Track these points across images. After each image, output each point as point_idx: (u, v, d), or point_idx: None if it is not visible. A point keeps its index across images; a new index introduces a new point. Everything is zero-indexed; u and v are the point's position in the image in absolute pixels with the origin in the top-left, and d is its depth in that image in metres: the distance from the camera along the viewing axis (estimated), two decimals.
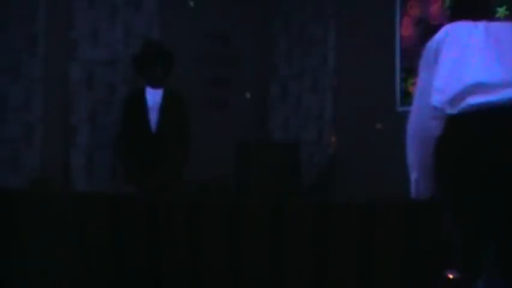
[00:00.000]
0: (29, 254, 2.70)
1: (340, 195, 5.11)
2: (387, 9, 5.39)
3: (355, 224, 2.29)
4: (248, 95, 5.84)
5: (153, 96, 4.40)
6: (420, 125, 2.64)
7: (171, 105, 4.41)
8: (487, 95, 2.31)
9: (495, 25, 2.64)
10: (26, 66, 4.21)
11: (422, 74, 2.69)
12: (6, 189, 2.90)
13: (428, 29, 5.23)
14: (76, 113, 4.49)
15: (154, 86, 4.41)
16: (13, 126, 4.15)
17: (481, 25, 2.62)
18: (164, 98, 4.40)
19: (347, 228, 2.29)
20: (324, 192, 5.30)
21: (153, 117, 4.37)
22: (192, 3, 5.38)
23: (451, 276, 3.76)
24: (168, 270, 2.51)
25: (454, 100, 2.43)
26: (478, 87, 2.36)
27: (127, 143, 4.36)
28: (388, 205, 2.29)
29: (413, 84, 5.27)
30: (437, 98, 2.49)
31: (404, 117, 5.39)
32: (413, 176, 2.71)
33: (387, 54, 5.37)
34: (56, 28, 4.38)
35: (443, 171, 2.45)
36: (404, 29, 5.33)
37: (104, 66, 4.64)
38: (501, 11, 4.80)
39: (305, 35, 5.78)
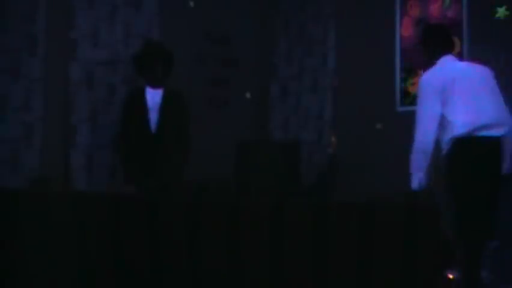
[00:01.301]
0: (29, 254, 2.70)
1: (340, 195, 5.11)
2: (387, 9, 5.39)
3: (355, 224, 2.29)
4: (248, 95, 5.84)
5: (153, 96, 4.40)
6: (431, 144, 3.58)
7: (171, 105, 4.41)
8: (487, 131, 3.49)
9: (478, 67, 3.78)
10: (26, 66, 4.21)
11: (430, 102, 3.58)
12: (6, 189, 2.90)
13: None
14: (76, 113, 4.49)
15: (154, 86, 4.41)
16: (13, 126, 4.15)
17: (473, 67, 3.78)
18: (164, 98, 4.40)
19: (347, 228, 2.29)
20: (324, 192, 5.30)
21: (153, 117, 4.37)
22: (191, 3, 5.38)
23: (451, 276, 3.76)
24: (168, 270, 2.51)
25: (468, 133, 3.48)
26: (484, 126, 3.49)
27: (127, 143, 4.36)
28: (388, 205, 2.30)
29: (413, 84, 5.27)
30: (459, 131, 3.49)
31: (403, 117, 5.41)
32: (419, 175, 3.63)
33: (387, 54, 5.37)
34: (56, 28, 4.38)
35: (460, 177, 3.53)
36: (404, 29, 5.34)
37: (104, 66, 4.64)
38: (501, 11, 4.80)
39: (305, 35, 5.78)
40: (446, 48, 3.79)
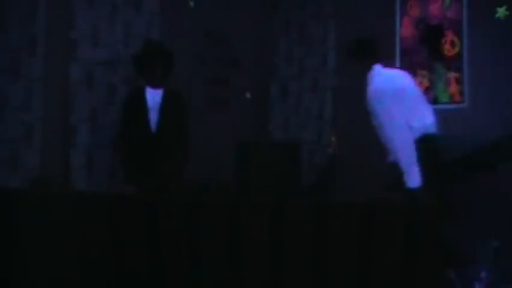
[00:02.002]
0: (29, 254, 2.70)
1: (340, 195, 5.11)
2: (387, 9, 5.39)
3: (355, 224, 2.29)
4: (248, 95, 5.84)
5: (153, 96, 4.40)
6: (411, 140, 3.86)
7: (171, 105, 4.41)
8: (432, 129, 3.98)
9: (402, 74, 4.17)
10: (26, 66, 4.20)
11: (396, 107, 3.87)
12: (6, 189, 2.90)
13: (428, 29, 5.24)
14: (76, 113, 4.48)
15: (154, 86, 4.41)
16: (13, 126, 4.14)
17: (401, 75, 4.14)
18: (164, 98, 4.40)
19: (347, 228, 2.29)
20: (324, 192, 5.30)
21: (153, 117, 4.37)
22: (192, 3, 5.38)
23: (450, 276, 3.76)
24: (168, 270, 2.51)
25: (425, 133, 3.93)
26: (432, 125, 4.00)
27: (127, 143, 4.36)
28: (388, 205, 2.30)
29: None
30: (416, 132, 3.88)
31: None
32: (416, 168, 3.83)
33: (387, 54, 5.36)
34: (56, 28, 4.38)
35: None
36: (404, 29, 5.33)
37: (104, 66, 4.64)
38: (501, 11, 4.80)
39: (305, 35, 5.77)
40: (379, 58, 4.14)
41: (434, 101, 5.17)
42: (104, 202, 2.61)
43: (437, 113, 5.16)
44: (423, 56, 5.23)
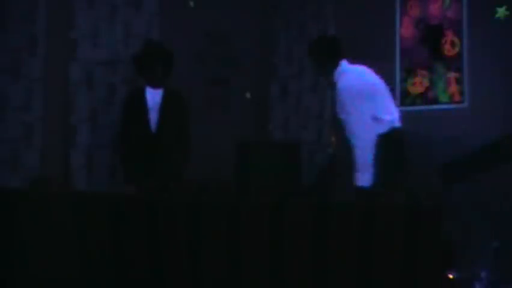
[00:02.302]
0: (29, 253, 2.70)
1: (340, 195, 5.10)
2: (387, 9, 5.39)
3: (355, 224, 2.29)
4: (248, 95, 5.84)
5: (153, 96, 4.40)
6: (372, 140, 3.95)
7: (171, 105, 4.41)
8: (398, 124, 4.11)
9: (368, 71, 4.20)
10: (26, 66, 4.20)
11: (362, 105, 3.95)
12: (6, 189, 2.90)
13: (428, 29, 5.24)
14: (76, 113, 4.48)
15: (154, 86, 4.41)
16: (13, 126, 4.14)
17: (373, 76, 4.18)
18: (164, 98, 4.40)
19: (347, 228, 2.29)
20: (324, 192, 5.30)
21: (153, 117, 4.37)
22: (192, 3, 5.38)
23: (450, 276, 3.76)
24: (168, 270, 2.51)
25: (393, 128, 4.05)
26: (396, 120, 4.11)
27: (127, 143, 4.36)
28: (388, 205, 2.30)
29: (413, 84, 5.27)
30: (386, 126, 3.99)
31: (404, 117, 5.40)
32: (370, 169, 3.92)
33: (387, 54, 5.37)
34: (56, 28, 4.38)
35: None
36: (404, 29, 5.33)
37: (104, 66, 4.64)
38: (501, 11, 4.80)
39: (305, 35, 5.77)
40: (342, 54, 4.20)
41: (434, 101, 5.17)
42: (104, 202, 2.61)
43: (437, 113, 5.18)
44: (423, 56, 5.23)
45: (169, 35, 4.97)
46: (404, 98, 5.30)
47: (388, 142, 3.98)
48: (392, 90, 5.30)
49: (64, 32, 4.46)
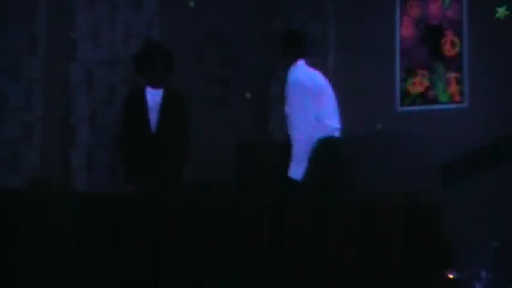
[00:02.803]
0: (29, 253, 2.70)
1: (340, 195, 5.10)
2: (387, 9, 5.39)
3: (355, 224, 2.29)
4: (248, 95, 5.84)
5: (153, 96, 4.40)
6: (311, 137, 4.08)
7: (171, 105, 4.41)
8: (338, 133, 4.21)
9: (321, 76, 4.31)
10: (26, 66, 4.20)
11: (307, 102, 4.08)
12: (6, 189, 2.90)
13: (428, 29, 5.24)
14: (76, 113, 4.48)
15: (154, 86, 4.41)
16: (13, 126, 4.14)
17: (320, 76, 4.30)
18: (165, 98, 4.40)
19: (347, 228, 2.29)
20: (324, 192, 5.30)
21: (153, 117, 4.36)
22: (192, 3, 5.38)
23: (450, 276, 3.76)
24: (168, 270, 2.51)
25: (326, 133, 4.12)
26: (338, 129, 4.23)
27: (127, 143, 4.36)
28: (388, 205, 2.30)
29: (413, 84, 5.27)
30: (326, 132, 4.13)
31: (404, 117, 5.41)
32: (304, 164, 4.06)
33: (387, 54, 5.37)
34: (56, 28, 4.38)
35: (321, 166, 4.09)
36: (404, 29, 5.33)
37: (104, 66, 4.63)
38: (501, 11, 4.80)
39: None
40: (303, 53, 4.29)
41: (434, 101, 5.18)
42: (104, 202, 2.61)
43: (437, 113, 5.18)
44: (423, 56, 5.23)
45: (169, 35, 4.97)
46: (404, 98, 5.30)
47: (325, 148, 4.10)
48: (392, 90, 5.33)
49: (64, 32, 4.45)
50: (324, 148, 4.10)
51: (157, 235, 2.51)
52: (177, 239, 2.49)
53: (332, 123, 4.20)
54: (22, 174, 4.13)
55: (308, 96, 4.10)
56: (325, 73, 5.61)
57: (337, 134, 4.25)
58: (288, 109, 4.18)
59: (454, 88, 5.08)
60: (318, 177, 4.10)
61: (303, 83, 4.15)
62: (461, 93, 5.04)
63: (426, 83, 5.21)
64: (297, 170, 4.10)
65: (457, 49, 5.07)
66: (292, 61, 4.27)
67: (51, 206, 2.69)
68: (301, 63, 4.27)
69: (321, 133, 4.11)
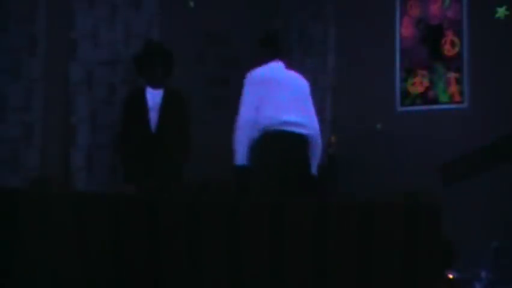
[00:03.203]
0: (29, 254, 2.70)
1: (340, 195, 5.11)
2: (387, 9, 5.39)
3: (355, 223, 2.29)
4: None
5: (153, 97, 4.40)
6: (251, 123, 4.06)
7: (171, 105, 4.41)
8: (290, 127, 4.01)
9: (300, 78, 4.30)
10: (26, 66, 4.20)
11: (250, 91, 4.12)
12: (6, 189, 2.90)
13: (428, 29, 5.24)
14: (76, 113, 4.48)
15: (154, 86, 4.41)
16: (13, 126, 4.14)
17: (294, 76, 4.28)
18: (165, 98, 4.40)
19: (347, 228, 2.29)
20: (324, 192, 5.30)
21: (153, 117, 4.36)
22: (192, 3, 5.38)
23: (450, 276, 3.76)
24: (168, 270, 2.51)
25: (274, 125, 4.01)
26: (287, 122, 4.02)
27: (127, 143, 4.36)
28: (388, 205, 2.30)
29: (413, 84, 5.27)
30: (266, 122, 4.03)
31: (403, 117, 5.41)
32: (243, 150, 4.07)
33: (387, 54, 5.37)
34: (56, 28, 4.38)
35: (266, 159, 4.02)
36: (404, 29, 5.33)
37: (104, 66, 4.63)
38: (501, 11, 4.80)
39: (305, 35, 5.77)
40: (276, 55, 4.32)
41: (434, 101, 5.18)
42: (104, 202, 2.61)
43: (437, 113, 5.18)
44: (423, 56, 5.23)
45: (169, 35, 4.97)
46: (404, 98, 5.30)
47: (265, 139, 4.02)
48: (392, 90, 5.33)
49: (64, 32, 4.45)
50: (265, 139, 4.03)
51: (157, 235, 2.51)
52: (177, 239, 2.49)
53: (281, 116, 4.05)
54: (22, 174, 4.13)
55: (254, 85, 4.12)
56: (325, 73, 5.65)
57: (287, 128, 4.05)
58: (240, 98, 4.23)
59: (454, 88, 5.08)
60: (259, 168, 4.05)
61: (255, 74, 4.18)
62: (461, 93, 5.04)
63: (426, 83, 5.21)
64: (235, 156, 4.12)
65: (457, 49, 5.07)
66: (265, 62, 4.28)
67: (51, 206, 2.69)
68: (273, 63, 4.27)
69: (263, 124, 4.04)
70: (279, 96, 4.12)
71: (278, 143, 4.01)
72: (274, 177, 3.95)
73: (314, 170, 4.27)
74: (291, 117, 4.05)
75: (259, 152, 4.06)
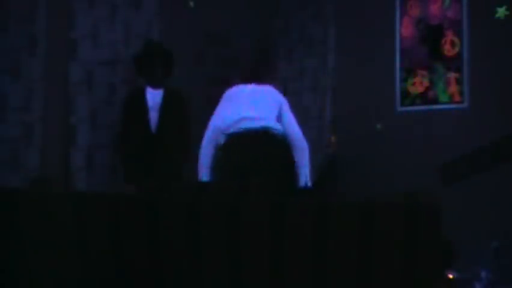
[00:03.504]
0: (29, 254, 2.70)
1: (340, 195, 5.11)
2: (387, 9, 5.39)
3: (355, 224, 2.29)
4: None
5: (153, 96, 4.40)
6: (214, 137, 3.99)
7: (171, 105, 4.41)
8: (248, 123, 3.86)
9: (257, 87, 4.20)
10: (26, 66, 4.20)
11: (220, 106, 4.13)
12: (6, 189, 2.90)
13: (428, 29, 5.24)
14: (76, 113, 4.48)
15: (154, 86, 4.41)
16: (13, 126, 4.14)
17: (249, 87, 4.21)
18: (165, 98, 4.40)
19: (347, 228, 2.29)
20: (324, 192, 5.31)
21: (153, 117, 4.37)
22: (191, 3, 5.38)
23: (450, 276, 3.76)
24: (168, 270, 2.51)
25: (230, 126, 3.90)
26: (241, 120, 3.88)
27: (127, 143, 4.36)
28: (388, 205, 2.30)
29: (413, 84, 5.27)
30: (225, 124, 3.94)
31: (403, 117, 5.41)
32: (204, 171, 3.96)
33: (387, 54, 5.37)
34: (56, 28, 4.38)
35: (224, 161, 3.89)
36: (404, 29, 5.33)
37: (104, 66, 4.64)
38: (501, 11, 4.80)
39: (305, 35, 5.77)
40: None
41: (434, 101, 5.18)
42: (104, 202, 2.61)
43: (437, 113, 5.18)
44: (423, 56, 5.23)
45: (169, 35, 4.97)
46: (404, 98, 5.30)
47: (225, 142, 3.91)
48: (392, 90, 5.33)
49: (64, 32, 4.46)
50: (225, 141, 3.92)
51: (157, 235, 2.51)
52: (177, 239, 2.49)
53: (238, 114, 3.95)
54: (22, 174, 4.13)
55: (223, 101, 4.15)
56: (325, 73, 5.66)
57: (244, 124, 3.90)
58: None
59: (453, 88, 5.08)
60: (219, 169, 3.94)
61: (225, 93, 4.24)
62: (461, 93, 5.04)
63: (426, 83, 5.21)
64: (199, 172, 4.01)
65: (457, 49, 5.07)
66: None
67: (51, 206, 2.69)
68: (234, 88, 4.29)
69: (223, 126, 3.95)
70: (239, 101, 4.09)
71: (236, 141, 3.87)
72: (233, 175, 3.82)
73: (305, 179, 4.04)
74: (248, 113, 3.93)
75: (220, 154, 3.96)
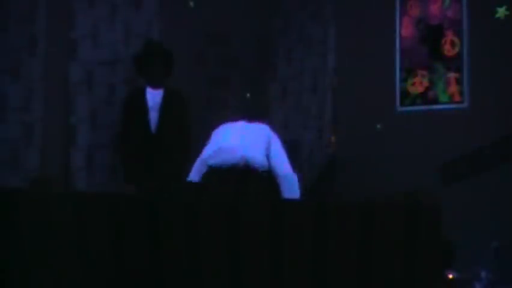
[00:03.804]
0: (28, 254, 2.70)
1: (340, 195, 5.11)
2: (387, 9, 5.39)
3: (355, 224, 2.29)
4: (248, 95, 5.84)
5: (153, 97, 4.40)
6: (199, 169, 3.85)
7: (171, 105, 4.41)
8: (224, 155, 3.75)
9: (247, 123, 4.15)
10: (26, 66, 4.20)
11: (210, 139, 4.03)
12: (6, 189, 2.90)
13: (428, 29, 5.24)
14: (76, 113, 4.49)
15: (154, 86, 4.41)
16: (13, 126, 4.15)
17: (239, 124, 4.11)
18: (165, 98, 4.40)
19: (347, 228, 2.29)
20: (324, 192, 5.30)
21: (153, 117, 4.37)
22: (192, 3, 5.38)
23: (450, 276, 3.77)
24: (168, 270, 2.51)
25: (210, 157, 3.81)
26: (220, 150, 3.80)
27: (127, 143, 4.36)
28: (388, 205, 2.30)
29: (413, 84, 5.27)
30: (207, 155, 3.84)
31: (403, 117, 5.41)
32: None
33: (387, 54, 5.37)
34: (56, 28, 4.38)
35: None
36: (404, 29, 5.33)
37: (104, 66, 4.64)
38: (501, 11, 4.80)
39: (305, 35, 5.77)
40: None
41: (434, 101, 5.17)
42: (104, 202, 2.61)
43: (437, 113, 5.18)
44: (423, 56, 5.23)
45: (169, 35, 4.97)
46: (404, 98, 5.30)
47: (204, 177, 3.82)
48: (392, 90, 5.33)
49: (64, 32, 4.46)
50: (205, 174, 3.86)
51: (157, 235, 2.51)
52: (177, 239, 2.49)
53: (219, 144, 3.91)
54: (22, 174, 4.14)
55: (213, 136, 4.07)
56: (325, 73, 5.65)
57: (223, 155, 3.82)
58: None
59: (453, 88, 5.08)
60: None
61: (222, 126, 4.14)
62: (461, 93, 5.04)
63: (426, 83, 5.21)
64: None
65: (456, 49, 5.06)
66: None
67: (51, 206, 2.69)
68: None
69: (205, 157, 3.88)
70: (226, 132, 4.03)
71: (212, 176, 3.79)
72: None
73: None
74: (229, 142, 3.86)
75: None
